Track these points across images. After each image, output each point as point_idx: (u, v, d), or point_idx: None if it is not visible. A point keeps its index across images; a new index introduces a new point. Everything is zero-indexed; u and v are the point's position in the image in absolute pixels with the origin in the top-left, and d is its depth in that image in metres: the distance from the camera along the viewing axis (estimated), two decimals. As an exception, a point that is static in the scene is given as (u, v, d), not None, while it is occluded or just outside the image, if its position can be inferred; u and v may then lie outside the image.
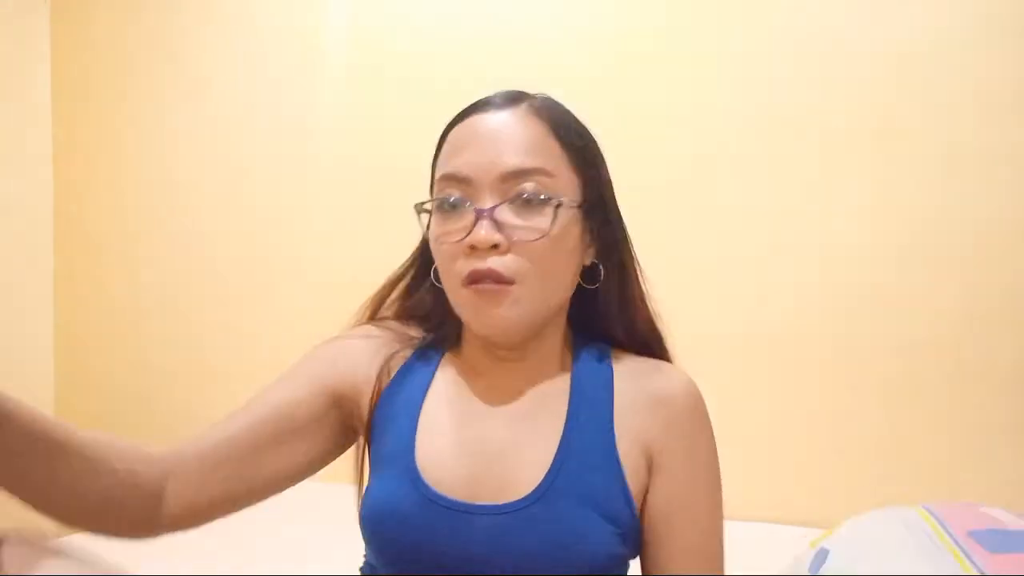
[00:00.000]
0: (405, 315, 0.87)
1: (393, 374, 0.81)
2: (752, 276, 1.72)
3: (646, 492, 0.75)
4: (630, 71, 1.81)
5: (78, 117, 2.44)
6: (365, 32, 2.08)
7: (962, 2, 1.58)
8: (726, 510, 0.78)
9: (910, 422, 1.60)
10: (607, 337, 0.83)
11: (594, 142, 0.80)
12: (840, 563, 0.82)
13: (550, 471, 0.72)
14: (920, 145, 1.60)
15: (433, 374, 0.81)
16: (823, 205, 1.67)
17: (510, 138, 0.73)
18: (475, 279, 0.71)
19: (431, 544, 0.70)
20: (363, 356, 0.82)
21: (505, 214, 0.72)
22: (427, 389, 0.79)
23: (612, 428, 0.75)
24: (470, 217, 0.72)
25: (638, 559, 0.77)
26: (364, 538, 0.77)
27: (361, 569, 0.81)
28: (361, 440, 0.83)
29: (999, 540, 0.77)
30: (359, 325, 0.86)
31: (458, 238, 0.72)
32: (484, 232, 0.70)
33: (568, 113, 0.79)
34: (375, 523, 0.73)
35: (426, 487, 0.72)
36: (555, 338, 0.80)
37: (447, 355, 0.83)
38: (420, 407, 0.78)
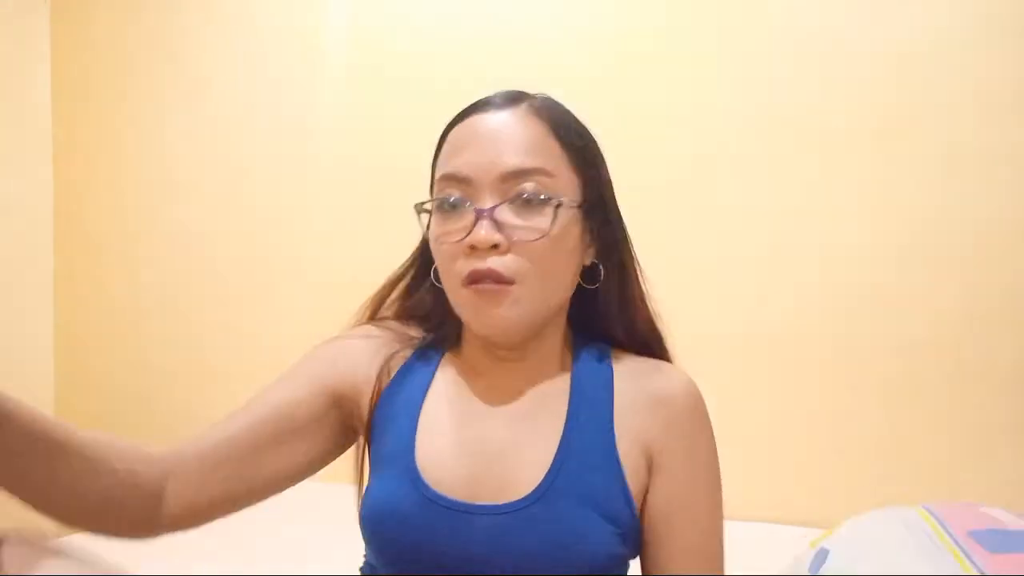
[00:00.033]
0: (405, 315, 0.87)
1: (393, 374, 0.81)
2: (752, 276, 1.72)
3: (646, 492, 0.75)
4: (630, 71, 1.81)
5: (78, 117, 2.44)
6: (365, 32, 2.08)
7: (962, 2, 1.58)
8: (726, 510, 0.78)
9: (910, 422, 1.60)
10: (607, 337, 0.83)
11: (594, 142, 0.80)
12: (840, 563, 0.82)
13: (550, 471, 0.72)
14: (920, 145, 1.60)
15: (433, 374, 0.81)
16: (823, 205, 1.67)
17: (510, 138, 0.73)
18: (475, 279, 0.71)
19: (431, 544, 0.70)
20: (363, 356, 0.82)
21: (505, 214, 0.72)
22: (427, 389, 0.79)
23: (612, 428, 0.75)
24: (470, 217, 0.72)
25: (638, 559, 0.77)
26: (364, 538, 0.77)
27: (361, 569, 0.81)
28: (361, 440, 0.83)
29: (999, 540, 0.77)
30: (359, 325, 0.86)
31: (458, 238, 0.72)
32: (484, 232, 0.70)
33: (568, 113, 0.79)
34: (375, 523, 0.73)
35: (426, 487, 0.72)
36: (555, 338, 0.80)
37: (447, 355, 0.83)
38: (420, 407, 0.78)
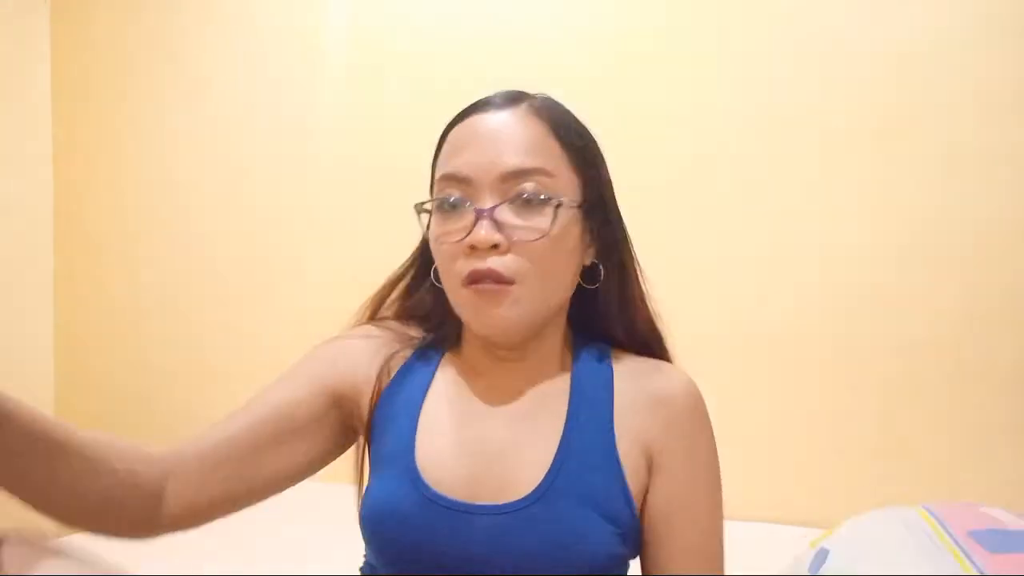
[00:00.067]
0: (405, 315, 0.87)
1: (393, 374, 0.81)
2: (752, 276, 1.72)
3: (646, 492, 0.75)
4: (630, 71, 1.81)
5: (78, 117, 2.44)
6: (365, 32, 2.08)
7: (962, 2, 1.58)
8: (726, 510, 0.78)
9: (910, 422, 1.60)
10: (607, 337, 0.83)
11: (594, 142, 0.80)
12: (840, 563, 0.82)
13: (550, 471, 0.72)
14: (920, 145, 1.60)
15: (433, 374, 0.81)
16: (823, 205, 1.67)
17: (510, 138, 0.73)
18: (475, 279, 0.71)
19: (431, 544, 0.70)
20: (363, 356, 0.82)
21: (505, 214, 0.72)
22: (427, 389, 0.79)
23: (612, 428, 0.75)
24: (470, 217, 0.72)
25: (638, 559, 0.77)
26: (364, 538, 0.77)
27: (361, 569, 0.81)
28: (361, 440, 0.83)
29: (999, 540, 0.77)
30: (359, 325, 0.86)
31: (458, 238, 0.72)
32: (484, 232, 0.70)
33: (568, 113, 0.79)
34: (375, 523, 0.73)
35: (426, 487, 0.72)
36: (555, 338, 0.80)
37: (447, 355, 0.83)
38: (420, 407, 0.78)
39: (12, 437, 0.60)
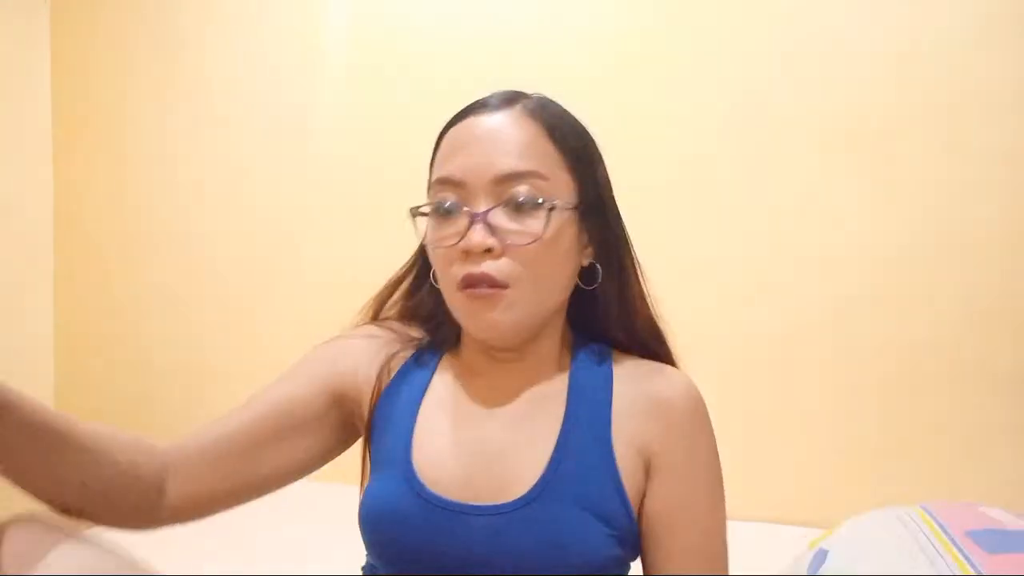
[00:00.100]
0: (408, 316, 0.87)
1: (393, 374, 0.81)
2: (752, 276, 1.72)
3: (643, 494, 0.75)
4: (630, 71, 1.81)
5: (78, 117, 2.44)
6: (365, 32, 2.08)
7: (962, 2, 1.58)
8: (726, 510, 0.78)
9: (910, 422, 1.60)
10: (608, 338, 0.83)
11: (592, 142, 0.79)
12: (839, 563, 0.82)
13: (546, 472, 0.72)
14: (920, 145, 1.60)
15: (432, 375, 0.81)
16: (823, 205, 1.67)
17: (504, 141, 0.73)
18: (469, 283, 0.71)
19: (428, 545, 0.71)
20: (364, 356, 0.82)
21: (499, 218, 0.72)
22: (426, 390, 0.79)
23: (609, 430, 0.75)
24: (464, 221, 0.72)
25: (639, 560, 0.77)
26: (363, 538, 0.77)
27: (363, 569, 0.81)
28: (363, 439, 0.83)
29: (997, 540, 0.77)
30: (361, 325, 0.86)
31: (452, 242, 0.72)
32: (477, 237, 0.70)
33: (565, 113, 0.78)
34: (372, 524, 0.74)
35: (423, 488, 0.72)
36: (553, 339, 0.80)
37: (446, 356, 0.83)
38: (418, 408, 0.78)
39: (14, 428, 0.60)
